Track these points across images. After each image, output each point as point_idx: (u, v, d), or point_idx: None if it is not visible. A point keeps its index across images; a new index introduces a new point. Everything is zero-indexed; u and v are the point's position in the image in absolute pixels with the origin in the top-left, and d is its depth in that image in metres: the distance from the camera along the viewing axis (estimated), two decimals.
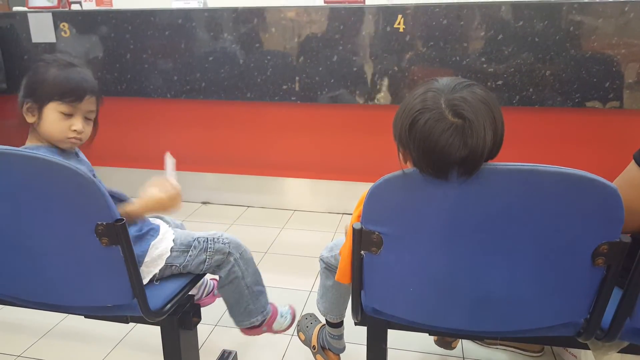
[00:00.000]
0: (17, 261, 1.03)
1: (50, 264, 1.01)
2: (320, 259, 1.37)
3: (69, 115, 1.10)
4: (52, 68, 1.10)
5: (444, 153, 0.78)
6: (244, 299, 1.37)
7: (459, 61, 2.07)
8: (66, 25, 2.39)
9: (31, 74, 1.11)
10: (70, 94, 1.09)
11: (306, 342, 1.58)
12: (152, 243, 1.20)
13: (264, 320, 1.43)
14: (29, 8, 2.58)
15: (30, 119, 1.10)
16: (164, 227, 1.28)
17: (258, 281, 1.40)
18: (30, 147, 1.10)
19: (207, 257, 1.25)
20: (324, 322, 1.52)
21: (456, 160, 0.78)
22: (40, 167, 0.91)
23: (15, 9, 2.69)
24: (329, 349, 1.51)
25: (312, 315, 1.64)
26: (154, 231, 1.23)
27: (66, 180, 0.91)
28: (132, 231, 1.14)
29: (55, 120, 1.10)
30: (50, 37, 2.41)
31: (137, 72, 2.38)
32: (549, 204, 0.80)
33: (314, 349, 1.54)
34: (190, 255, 1.23)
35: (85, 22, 2.38)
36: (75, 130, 1.11)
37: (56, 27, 2.39)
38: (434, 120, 0.79)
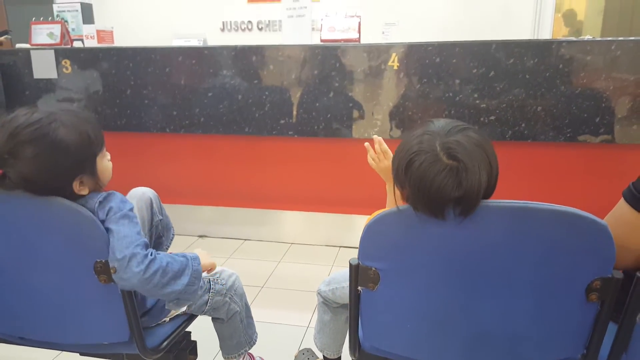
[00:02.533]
0: (14, 298, 1.03)
1: (48, 301, 1.01)
2: (318, 293, 1.37)
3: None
4: (66, 129, 0.93)
5: (439, 193, 0.81)
6: (238, 332, 1.38)
7: (452, 97, 2.12)
8: (68, 62, 2.44)
9: (64, 152, 0.92)
10: (102, 137, 1.02)
11: None
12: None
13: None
14: (31, 45, 2.64)
15: (84, 190, 0.98)
16: None
17: (248, 314, 1.42)
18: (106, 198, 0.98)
19: (209, 298, 1.24)
20: (321, 357, 1.51)
21: (451, 199, 0.80)
22: (39, 205, 0.92)
23: (18, 45, 2.75)
24: None
25: (309, 350, 1.62)
26: None
27: (66, 218, 0.92)
28: None
29: (107, 166, 1.06)
30: (52, 74, 2.46)
31: (137, 107, 2.42)
32: (542, 240, 0.81)
33: None
34: None
35: (86, 59, 2.43)
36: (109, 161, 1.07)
37: (58, 63, 2.45)
38: (429, 162, 0.82)
